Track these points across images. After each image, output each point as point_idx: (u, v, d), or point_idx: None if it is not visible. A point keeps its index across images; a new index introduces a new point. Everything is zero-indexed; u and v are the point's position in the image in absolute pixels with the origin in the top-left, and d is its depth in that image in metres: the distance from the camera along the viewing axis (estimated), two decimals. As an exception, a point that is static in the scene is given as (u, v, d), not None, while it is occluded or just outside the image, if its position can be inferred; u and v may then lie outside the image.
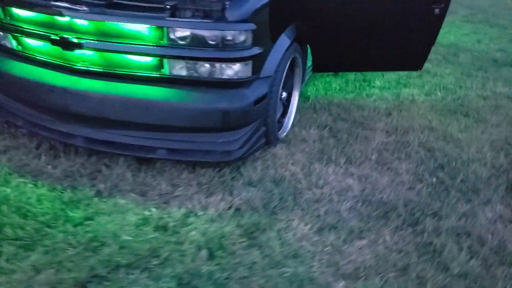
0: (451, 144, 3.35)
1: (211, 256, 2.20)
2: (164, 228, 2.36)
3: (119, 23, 2.53)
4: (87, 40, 2.57)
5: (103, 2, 2.56)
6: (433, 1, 3.34)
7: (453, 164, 3.10)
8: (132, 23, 2.51)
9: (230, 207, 2.54)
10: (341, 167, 2.99)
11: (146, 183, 2.72)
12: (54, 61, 2.77)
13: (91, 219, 2.40)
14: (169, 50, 2.51)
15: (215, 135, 2.71)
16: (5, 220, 2.34)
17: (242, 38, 2.49)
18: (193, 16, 2.50)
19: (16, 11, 2.76)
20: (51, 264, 2.09)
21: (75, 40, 2.58)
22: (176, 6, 2.48)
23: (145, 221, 2.41)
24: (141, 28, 2.52)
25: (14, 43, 2.90)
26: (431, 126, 3.61)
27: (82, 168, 2.83)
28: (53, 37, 2.63)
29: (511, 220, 2.64)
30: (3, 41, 2.96)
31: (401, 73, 4.70)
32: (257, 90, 2.70)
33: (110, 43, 2.58)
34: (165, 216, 2.45)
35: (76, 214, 2.43)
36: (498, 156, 3.24)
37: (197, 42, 2.47)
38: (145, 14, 2.50)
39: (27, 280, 2.00)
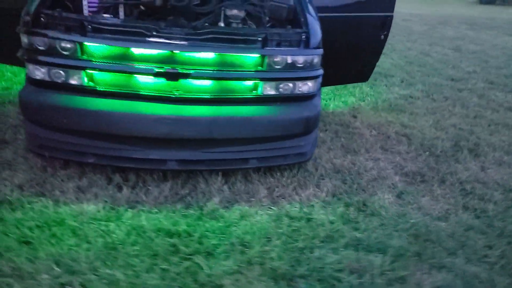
0: (413, 130, 4.50)
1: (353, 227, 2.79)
2: (306, 219, 2.82)
3: (224, 53, 2.92)
4: (195, 70, 2.87)
5: (201, 36, 2.90)
6: (380, 29, 4.51)
7: (426, 141, 4.23)
8: (239, 53, 2.93)
9: (327, 195, 3.13)
10: (367, 155, 3.82)
11: (246, 191, 3.09)
12: (146, 93, 2.95)
13: (231, 226, 2.71)
14: (266, 74, 3.00)
15: (293, 141, 3.24)
16: (166, 241, 2.52)
17: (316, 60, 3.14)
18: (279, 45, 3.04)
19: (110, 49, 2.87)
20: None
21: (183, 71, 2.85)
22: (266, 37, 2.99)
23: (279, 219, 2.82)
24: (242, 57, 2.96)
25: (86, 79, 2.94)
26: (390, 121, 4.73)
27: (179, 190, 3.04)
28: (157, 70, 2.84)
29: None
30: (68, 80, 2.95)
31: (330, 88, 5.78)
32: (318, 101, 3.35)
33: (215, 72, 2.94)
34: (293, 210, 2.91)
35: (218, 224, 2.71)
36: (442, 133, 4.51)
37: (289, 66, 3.02)
38: (248, 46, 2.94)
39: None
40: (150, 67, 2.86)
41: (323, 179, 3.35)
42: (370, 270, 2.39)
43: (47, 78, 2.96)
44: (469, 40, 10.96)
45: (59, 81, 2.95)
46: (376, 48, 4.59)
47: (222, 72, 2.95)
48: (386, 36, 4.65)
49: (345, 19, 4.29)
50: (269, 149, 3.18)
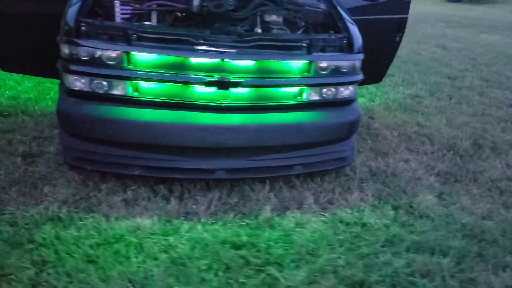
0: (431, 130, 4.59)
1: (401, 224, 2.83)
2: (360, 224, 2.84)
3: (272, 60, 2.90)
4: (246, 79, 2.84)
5: (248, 44, 2.87)
6: (396, 31, 4.58)
7: (445, 140, 4.32)
8: (287, 60, 2.92)
9: (373, 198, 3.16)
10: (396, 157, 3.87)
11: (292, 198, 3.08)
12: (193, 102, 2.90)
13: (291, 235, 2.70)
14: (313, 79, 3.00)
15: (335, 145, 3.25)
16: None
17: (358, 65, 3.16)
18: (323, 51, 3.04)
19: (157, 58, 2.80)
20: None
21: (234, 80, 2.81)
22: (311, 43, 2.98)
23: (335, 225, 2.83)
24: (290, 63, 2.95)
25: (130, 89, 2.86)
26: (406, 121, 4.81)
27: (227, 199, 3.00)
28: (208, 79, 2.79)
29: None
30: (112, 90, 2.87)
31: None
32: (357, 105, 3.37)
33: (265, 79, 2.92)
34: (345, 215, 2.92)
35: (277, 233, 2.70)
36: (458, 131, 4.62)
37: (334, 71, 3.03)
38: (296, 52, 2.93)
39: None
40: (200, 76, 2.81)
41: (362, 182, 3.38)
42: (440, 272, 2.42)
43: (88, 89, 2.87)
44: (450, 38, 11.25)
45: (102, 91, 2.87)
46: (391, 50, 4.66)
47: (271, 80, 2.94)
48: (401, 37, 4.73)
49: (363, 22, 4.34)
50: (313, 155, 3.18)
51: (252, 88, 2.94)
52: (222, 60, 2.82)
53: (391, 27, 4.47)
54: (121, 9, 3.19)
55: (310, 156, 3.17)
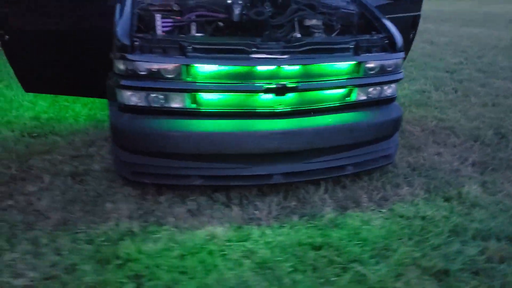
0: (451, 122, 4.75)
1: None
2: (420, 217, 2.94)
3: (324, 63, 2.98)
4: (301, 83, 2.91)
5: (299, 49, 2.94)
6: (410, 28, 4.74)
7: (468, 132, 4.48)
8: (338, 62, 3.01)
9: (423, 192, 3.27)
10: (429, 151, 4.00)
11: (347, 198, 3.16)
12: (250, 110, 2.96)
13: (359, 233, 2.77)
14: (362, 80, 3.10)
15: (381, 143, 3.35)
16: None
17: (400, 63, 3.28)
18: (369, 51, 3.14)
19: (215, 69, 2.84)
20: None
21: (292, 85, 2.88)
22: (358, 44, 3.08)
23: (396, 220, 2.92)
24: (340, 65, 3.03)
25: (189, 101, 2.90)
26: (424, 115, 4.96)
27: (286, 203, 3.06)
28: (267, 86, 2.85)
29: None
30: (170, 103, 2.90)
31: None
32: (397, 102, 3.49)
33: (318, 82, 3.00)
34: (403, 210, 3.01)
35: (346, 232, 2.77)
36: (477, 122, 4.79)
37: (381, 70, 3.13)
38: (346, 54, 3.02)
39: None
40: (258, 84, 2.87)
41: (407, 177, 3.48)
42: (514, 257, 2.54)
43: (145, 104, 2.89)
44: (434, 33, 11.60)
45: (159, 105, 2.89)
46: (405, 48, 4.81)
47: (324, 82, 3.02)
48: (414, 34, 4.90)
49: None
50: (362, 154, 3.27)
51: (305, 92, 3.01)
52: (278, 66, 2.88)
53: (406, 25, 4.63)
54: (162, 22, 3.23)
55: (359, 155, 3.26)
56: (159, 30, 3.20)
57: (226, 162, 2.99)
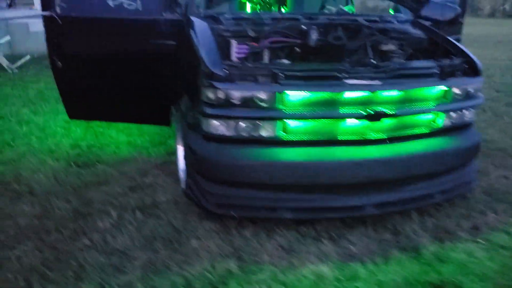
0: (495, 143, 4.67)
1: None
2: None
3: (414, 89, 2.88)
4: (397, 109, 2.79)
5: (390, 74, 2.83)
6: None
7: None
8: (429, 87, 2.90)
9: (509, 216, 3.16)
10: (496, 173, 3.91)
11: (437, 227, 3.03)
12: (342, 138, 2.83)
13: (469, 266, 2.63)
14: (450, 105, 3.00)
15: (464, 169, 3.23)
16: None
17: (481, 87, 3.20)
18: (453, 76, 3.05)
19: (309, 96, 2.71)
20: None
21: (389, 112, 2.76)
22: (443, 70, 2.98)
23: (499, 252, 2.79)
24: (429, 91, 2.93)
25: (279, 130, 2.74)
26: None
27: (379, 235, 2.91)
28: (363, 112, 2.73)
29: None
30: (260, 132, 2.74)
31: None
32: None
33: (412, 108, 2.88)
34: (501, 240, 2.88)
35: (454, 266, 2.63)
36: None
37: (466, 95, 3.04)
38: (434, 79, 2.92)
39: None
40: (353, 110, 2.75)
41: (486, 204, 3.35)
42: None
43: (233, 133, 2.72)
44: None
45: (247, 134, 2.73)
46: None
47: (416, 108, 2.91)
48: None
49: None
50: (447, 181, 3.15)
51: (395, 118, 2.89)
52: (371, 92, 2.76)
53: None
54: (237, 48, 3.09)
55: (445, 182, 3.13)
56: (234, 57, 3.06)
57: (317, 193, 2.83)
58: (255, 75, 2.69)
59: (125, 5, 3.49)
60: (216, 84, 2.65)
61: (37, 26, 9.53)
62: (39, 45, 8.88)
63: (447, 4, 3.93)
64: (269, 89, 2.66)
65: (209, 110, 2.71)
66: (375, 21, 3.54)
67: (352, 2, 4.47)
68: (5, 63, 7.58)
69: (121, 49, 3.58)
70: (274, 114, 2.70)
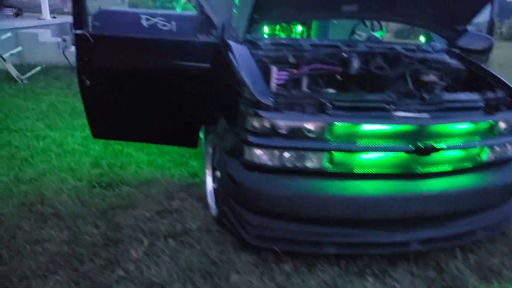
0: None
1: None
2: None
3: (464, 122, 2.81)
4: (447, 143, 2.72)
5: (437, 107, 2.75)
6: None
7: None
8: (476, 121, 2.83)
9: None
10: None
11: (480, 265, 2.93)
12: (389, 171, 2.75)
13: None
14: (496, 139, 2.92)
15: (506, 204, 3.15)
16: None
17: None
18: (498, 109, 2.97)
19: (358, 127, 2.63)
20: None
21: (439, 146, 2.68)
22: (489, 102, 2.91)
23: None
24: (477, 124, 2.86)
25: (325, 161, 2.66)
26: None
27: (424, 272, 2.81)
28: (412, 146, 2.66)
29: None
30: (306, 163, 2.65)
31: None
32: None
33: (459, 142, 2.80)
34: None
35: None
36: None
37: (510, 129, 2.97)
38: (481, 112, 2.85)
39: None
40: (401, 144, 2.67)
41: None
42: None
43: (277, 163, 2.63)
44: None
45: (292, 165, 2.64)
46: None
47: (465, 143, 2.83)
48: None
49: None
50: (488, 217, 3.07)
51: (442, 152, 2.81)
52: (421, 125, 2.69)
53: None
54: (279, 75, 3.03)
55: (486, 218, 3.05)
56: (273, 83, 2.99)
57: (362, 228, 2.74)
58: (303, 104, 2.62)
59: (159, 26, 3.42)
60: (262, 113, 2.57)
61: (45, 36, 9.46)
62: (48, 55, 8.87)
63: (482, 34, 3.89)
64: (318, 119, 2.58)
65: (253, 139, 2.62)
66: (412, 50, 3.48)
67: (382, 28, 4.43)
68: (14, 73, 7.44)
69: (152, 69, 3.49)
70: (321, 145, 2.61)
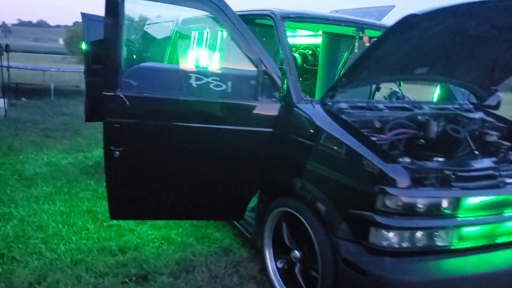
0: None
1: None
2: None
3: None
4: None
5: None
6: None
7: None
8: None
9: None
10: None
11: None
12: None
13: None
14: None
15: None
16: None
17: None
18: None
19: (477, 200, 2.48)
20: None
21: None
22: None
23: None
24: None
25: (454, 238, 2.47)
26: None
27: None
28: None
29: None
30: (435, 242, 2.43)
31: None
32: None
33: None
34: None
35: None
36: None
37: None
38: None
39: None
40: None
41: None
42: None
43: (408, 245, 2.38)
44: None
45: (421, 245, 2.40)
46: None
47: None
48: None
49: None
50: None
51: None
52: None
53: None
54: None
55: None
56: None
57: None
58: (431, 178, 2.41)
59: (211, 86, 2.96)
60: (394, 191, 2.29)
61: None
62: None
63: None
64: (451, 194, 2.38)
65: (382, 220, 2.32)
66: (458, 109, 3.50)
67: (400, 83, 4.44)
68: None
69: (198, 136, 3.00)
70: (455, 222, 2.42)
